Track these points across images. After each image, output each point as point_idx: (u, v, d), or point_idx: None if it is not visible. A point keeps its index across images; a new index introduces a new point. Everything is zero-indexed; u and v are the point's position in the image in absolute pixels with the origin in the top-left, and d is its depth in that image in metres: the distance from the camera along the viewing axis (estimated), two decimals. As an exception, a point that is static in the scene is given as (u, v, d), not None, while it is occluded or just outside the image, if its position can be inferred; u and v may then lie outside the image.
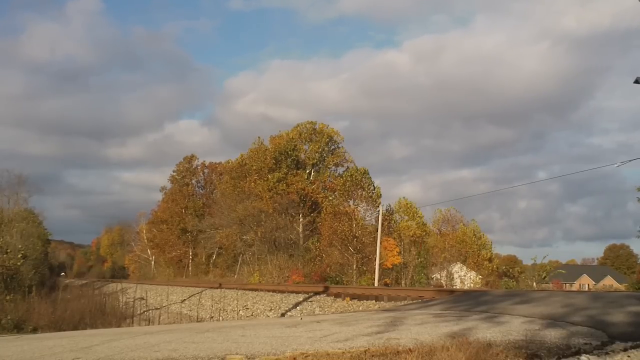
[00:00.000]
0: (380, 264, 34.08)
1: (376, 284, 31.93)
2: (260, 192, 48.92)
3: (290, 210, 47.51)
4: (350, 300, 18.96)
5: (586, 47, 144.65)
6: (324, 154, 54.26)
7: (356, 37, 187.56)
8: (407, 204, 50.24)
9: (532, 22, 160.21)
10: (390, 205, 47.73)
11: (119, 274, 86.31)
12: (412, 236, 44.97)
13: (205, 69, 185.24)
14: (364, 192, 42.31)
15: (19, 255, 26.53)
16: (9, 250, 26.51)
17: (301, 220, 48.53)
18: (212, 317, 24.84)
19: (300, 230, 47.90)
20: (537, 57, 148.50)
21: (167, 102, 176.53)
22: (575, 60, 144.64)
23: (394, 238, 41.95)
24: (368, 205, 42.17)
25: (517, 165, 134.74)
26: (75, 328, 16.94)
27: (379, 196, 43.76)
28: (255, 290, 28.08)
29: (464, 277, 45.87)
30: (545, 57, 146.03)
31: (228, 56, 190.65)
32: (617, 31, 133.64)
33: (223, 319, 23.09)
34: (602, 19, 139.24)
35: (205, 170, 71.72)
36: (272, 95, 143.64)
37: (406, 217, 49.21)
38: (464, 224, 55.22)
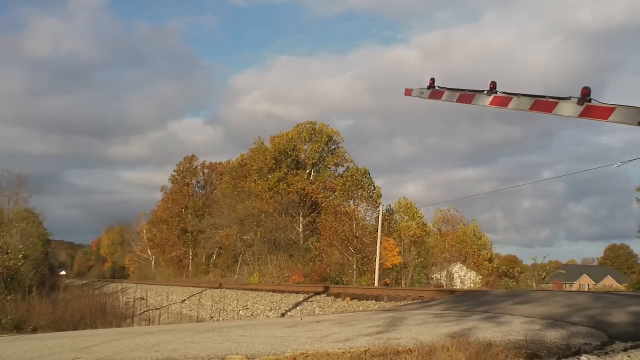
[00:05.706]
0: (380, 264, 34.08)
1: (376, 284, 31.92)
2: (260, 192, 48.98)
3: (290, 210, 47.53)
4: (350, 300, 18.94)
5: (599, 42, 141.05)
6: (324, 154, 54.31)
7: (364, 32, 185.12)
8: (407, 204, 50.37)
9: (544, 16, 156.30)
10: (390, 205, 47.87)
11: (119, 274, 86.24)
12: (412, 236, 45.04)
13: (209, 66, 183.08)
14: (364, 192, 42.41)
15: (20, 256, 26.49)
16: (9, 251, 26.47)
17: (301, 220, 48.55)
18: (212, 317, 24.83)
19: (300, 230, 47.92)
20: (548, 53, 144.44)
21: (170, 100, 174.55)
22: (587, 56, 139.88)
23: (394, 238, 42.00)
24: (368, 205, 42.26)
25: (522, 165, 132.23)
26: (75, 328, 16.91)
27: (379, 196, 43.93)
28: (255, 290, 28.07)
29: (464, 277, 45.90)
30: (557, 52, 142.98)
31: (233, 53, 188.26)
32: (630, 27, 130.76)
33: (223, 319, 23.08)
34: (618, 14, 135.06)
35: (206, 170, 71.85)
36: (276, 92, 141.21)
37: (406, 217, 49.32)
38: (464, 224, 55.39)
